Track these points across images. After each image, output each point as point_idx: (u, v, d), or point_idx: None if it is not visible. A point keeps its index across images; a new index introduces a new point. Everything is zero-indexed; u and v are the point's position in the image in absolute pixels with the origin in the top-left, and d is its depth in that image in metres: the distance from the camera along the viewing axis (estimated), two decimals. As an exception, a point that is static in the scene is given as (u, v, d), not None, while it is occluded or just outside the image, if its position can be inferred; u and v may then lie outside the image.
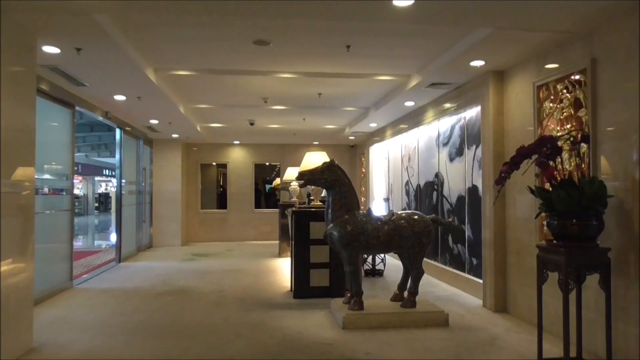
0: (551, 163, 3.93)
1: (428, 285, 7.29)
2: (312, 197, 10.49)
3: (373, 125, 10.69)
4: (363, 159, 13.69)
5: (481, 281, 6.55)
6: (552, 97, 4.93)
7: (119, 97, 7.60)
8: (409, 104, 8.16)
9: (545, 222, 4.44)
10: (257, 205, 14.73)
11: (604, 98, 4.18)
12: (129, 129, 10.62)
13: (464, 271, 7.13)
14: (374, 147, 12.42)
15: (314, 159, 6.83)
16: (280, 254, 10.53)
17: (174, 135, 12.33)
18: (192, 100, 8.66)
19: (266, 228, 14.26)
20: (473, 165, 6.92)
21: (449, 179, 7.80)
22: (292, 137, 13.36)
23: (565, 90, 4.71)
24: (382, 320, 5.16)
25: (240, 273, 8.60)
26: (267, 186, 15.95)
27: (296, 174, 10.90)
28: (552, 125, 4.90)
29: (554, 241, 3.86)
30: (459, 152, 7.40)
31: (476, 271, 6.76)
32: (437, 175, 8.30)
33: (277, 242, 12.45)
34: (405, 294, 5.49)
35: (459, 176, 7.43)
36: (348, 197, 5.36)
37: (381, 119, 9.84)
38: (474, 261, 6.86)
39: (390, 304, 5.55)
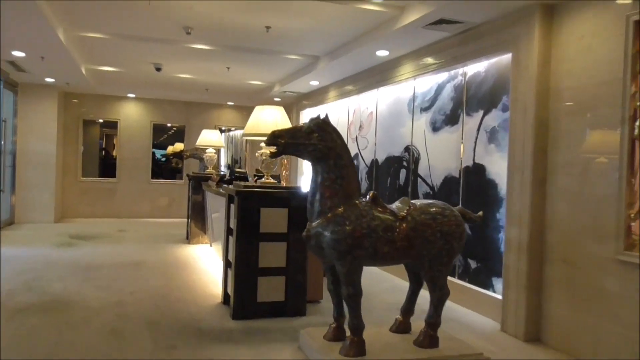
0: None
1: (396, 291, 5.55)
2: (239, 169, 8.31)
3: (314, 83, 8.65)
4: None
5: (485, 292, 4.94)
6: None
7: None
8: (382, 53, 6.24)
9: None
10: (155, 174, 12.09)
11: None
12: (-20, 62, 7.61)
13: (453, 276, 5.46)
14: (305, 112, 10.39)
15: (268, 116, 4.69)
16: (190, 240, 8.24)
17: (49, 80, 9.35)
18: (79, 23, 6.02)
19: (163, 202, 11.74)
20: (477, 137, 5.21)
21: (429, 154, 6.05)
22: (202, 94, 10.90)
23: None
24: (397, 372, 3.30)
25: (142, 269, 6.24)
26: (158, 152, 13.24)
27: (214, 138, 8.70)
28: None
29: None
30: (451, 119, 5.66)
31: (476, 278, 5.11)
32: (407, 148, 6.52)
33: (179, 221, 10.21)
34: (412, 322, 3.65)
35: (447, 151, 5.70)
36: (347, 176, 3.36)
37: (329, 74, 7.83)
38: (472, 264, 5.21)
39: (397, 339, 3.69)
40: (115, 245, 7.89)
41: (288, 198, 4.56)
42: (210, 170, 8.52)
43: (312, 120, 3.38)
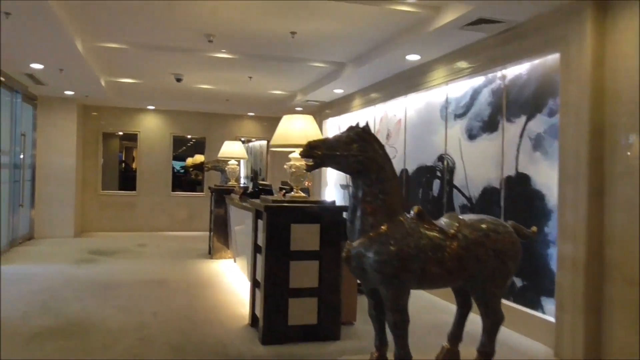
0: None
1: (434, 310, 5.20)
2: (262, 180, 8.03)
3: (338, 91, 8.36)
4: (310, 135, 11.31)
5: (534, 313, 4.56)
6: None
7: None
8: (413, 58, 5.92)
9: None
10: (175, 187, 11.88)
11: None
12: (-1, 76, 7.48)
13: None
14: (328, 122, 10.10)
15: (298, 126, 4.40)
16: (212, 255, 7.96)
17: (68, 93, 9.22)
18: (97, 33, 5.82)
19: (183, 215, 11.51)
20: (520, 145, 4.85)
21: (465, 164, 5.70)
22: (223, 104, 10.69)
23: None
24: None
25: (164, 287, 5.97)
26: (177, 164, 13.01)
27: (237, 149, 8.44)
28: None
29: None
30: (489, 126, 5.31)
31: (522, 298, 4.73)
32: (441, 157, 6.18)
33: (200, 234, 10.01)
34: (460, 349, 3.30)
35: (486, 160, 5.34)
36: (390, 190, 3.04)
37: (355, 82, 7.53)
38: (517, 282, 4.83)
39: (446, 370, 3.34)
40: (135, 261, 7.65)
41: (320, 213, 4.25)
42: (232, 182, 8.25)
43: (351, 129, 3.06)
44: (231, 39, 5.77)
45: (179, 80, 7.85)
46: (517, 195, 4.88)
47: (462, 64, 5.54)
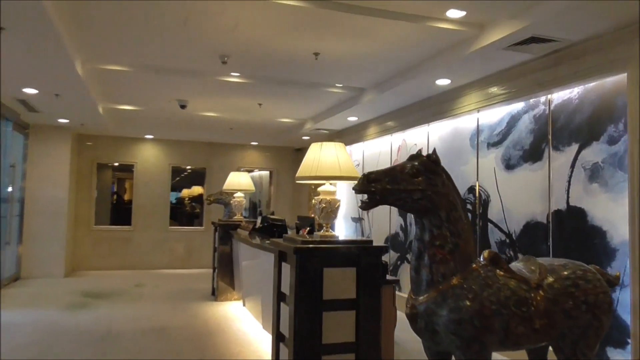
0: None
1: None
2: (272, 215, 7.46)
3: (352, 119, 7.88)
4: (316, 166, 10.78)
5: (599, 368, 3.96)
6: None
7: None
8: (443, 82, 5.47)
9: None
10: (182, 221, 11.28)
11: None
12: (-12, 103, 6.94)
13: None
14: (337, 151, 9.59)
15: (330, 155, 3.86)
16: (217, 297, 7.31)
17: (62, 121, 8.67)
18: (99, 54, 5.32)
19: (182, 251, 10.85)
20: (571, 176, 4.34)
21: (501, 196, 5.19)
22: (225, 134, 10.18)
23: None
24: None
25: (168, 338, 5.31)
26: (171, 195, 12.30)
27: (243, 181, 7.89)
28: None
29: None
30: (532, 155, 4.81)
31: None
32: (472, 189, 5.67)
33: (201, 272, 9.43)
34: None
35: (528, 192, 4.83)
36: (463, 232, 2.51)
37: (373, 109, 7.05)
38: (575, 331, 4.25)
39: None
40: (133, 304, 6.97)
41: (357, 255, 3.68)
42: (238, 217, 7.67)
43: (414, 157, 2.54)
44: (247, 60, 5.28)
45: (183, 107, 7.35)
46: (570, 232, 4.36)
47: (497, 89, 5.09)
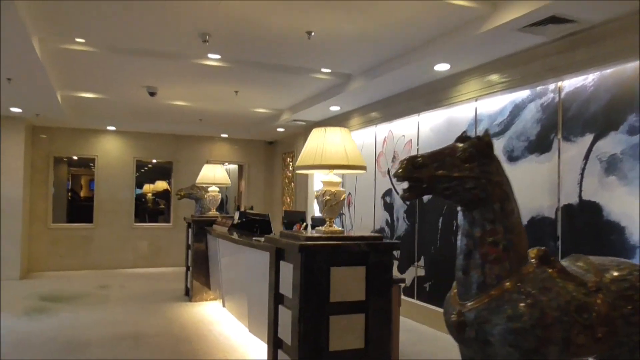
0: None
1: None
2: (251, 209, 6.99)
3: (334, 109, 7.49)
4: (289, 159, 10.38)
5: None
6: None
7: None
8: (442, 68, 5.14)
9: None
10: (144, 218, 10.63)
11: None
12: None
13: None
14: (314, 144, 9.19)
15: (336, 141, 3.47)
16: (192, 297, 6.80)
17: (15, 110, 7.93)
18: (61, 30, 4.73)
19: (146, 249, 10.23)
20: (584, 168, 4.09)
21: (503, 189, 4.91)
22: (194, 125, 9.63)
23: None
24: None
25: (144, 346, 4.80)
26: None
27: (218, 174, 7.39)
28: None
29: None
30: (538, 146, 4.55)
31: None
32: (468, 182, 5.38)
33: (169, 270, 8.95)
34: None
35: (534, 185, 4.57)
36: (516, 228, 2.18)
37: (359, 97, 6.68)
38: (589, 330, 4.01)
39: None
40: (99, 308, 6.39)
41: (367, 252, 3.31)
42: (213, 212, 7.18)
43: (463, 139, 2.19)
44: (230, 40, 4.81)
45: (152, 94, 6.79)
46: (582, 227, 4.11)
47: (499, 76, 4.81)
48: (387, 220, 6.85)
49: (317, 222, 4.38)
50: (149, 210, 12.40)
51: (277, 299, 3.58)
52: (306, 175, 9.16)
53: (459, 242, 2.20)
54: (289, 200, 10.28)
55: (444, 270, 5.64)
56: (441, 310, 5.51)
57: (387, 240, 3.43)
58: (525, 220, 4.61)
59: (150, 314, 6.07)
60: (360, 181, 7.57)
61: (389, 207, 6.82)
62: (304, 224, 4.35)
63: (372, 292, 3.31)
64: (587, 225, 4.07)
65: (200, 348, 4.72)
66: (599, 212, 3.97)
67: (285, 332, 3.37)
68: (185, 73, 6.01)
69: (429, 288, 5.82)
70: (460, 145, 2.14)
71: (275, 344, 3.57)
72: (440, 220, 5.79)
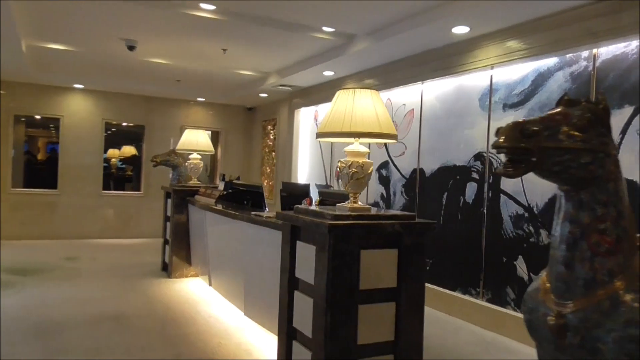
0: None
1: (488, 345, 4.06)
2: (237, 180, 6.47)
3: (328, 74, 6.98)
4: (271, 127, 9.84)
5: None
6: None
7: None
8: (460, 31, 4.70)
9: None
10: (108, 185, 9.93)
11: None
12: None
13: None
14: (301, 112, 8.69)
15: (366, 106, 3.01)
16: (171, 273, 6.30)
17: (-29, 61, 7.10)
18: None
19: (115, 219, 9.58)
20: (621, 143, 3.78)
21: (520, 165, 4.58)
22: (171, 86, 8.94)
23: None
24: None
25: (127, 329, 4.30)
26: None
27: (201, 140, 6.81)
28: None
29: None
30: (565, 118, 4.21)
31: None
32: (480, 156, 5.04)
33: (140, 242, 8.50)
34: None
35: (558, 161, 4.25)
36: (628, 214, 1.78)
37: (358, 62, 6.19)
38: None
39: None
40: (70, 283, 5.82)
41: (400, 233, 2.91)
42: (194, 181, 6.65)
43: (573, 102, 1.77)
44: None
45: (131, 48, 6.12)
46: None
47: (523, 42, 4.42)
48: (382, 195, 6.47)
49: (326, 197, 3.96)
50: (114, 177, 11.68)
51: (292, 283, 3.14)
52: (290, 144, 8.67)
53: (558, 229, 1.80)
54: (269, 170, 9.78)
55: (446, 250, 5.32)
56: (444, 290, 5.26)
57: (422, 220, 3.03)
58: (545, 198, 4.34)
59: (128, 291, 5.55)
60: (353, 152, 7.13)
61: (384, 181, 6.43)
62: (318, 199, 3.89)
63: (404, 277, 2.92)
64: (620, 207, 3.77)
65: (191, 332, 4.27)
66: (636, 191, 3.67)
67: (304, 323, 2.96)
68: (171, 25, 5.39)
69: (429, 267, 5.50)
70: (574, 110, 1.72)
71: (289, 334, 3.15)
72: (445, 196, 5.45)
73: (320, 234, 2.79)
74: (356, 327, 2.79)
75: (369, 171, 3.03)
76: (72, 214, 9.17)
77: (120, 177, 11.54)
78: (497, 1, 3.92)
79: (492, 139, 4.35)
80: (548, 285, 1.86)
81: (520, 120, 1.69)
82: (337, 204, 3.17)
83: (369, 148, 6.63)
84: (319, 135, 3.06)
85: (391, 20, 4.94)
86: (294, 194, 4.58)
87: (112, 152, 12.10)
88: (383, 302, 2.89)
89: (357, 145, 3.04)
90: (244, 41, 5.88)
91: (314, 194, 4.45)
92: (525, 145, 1.62)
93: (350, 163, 2.99)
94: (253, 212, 4.24)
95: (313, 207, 3.21)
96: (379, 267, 2.87)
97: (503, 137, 1.65)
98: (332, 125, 2.98)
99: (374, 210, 3.09)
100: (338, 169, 3.08)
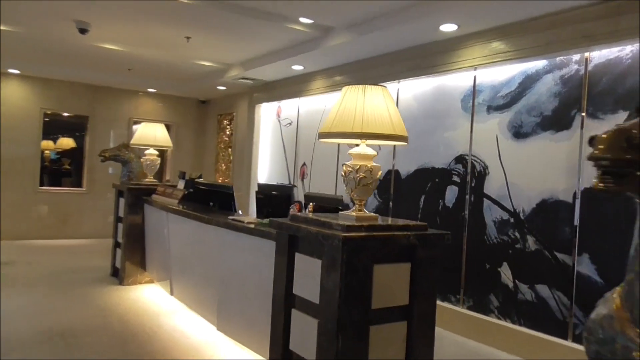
0: None
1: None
2: (199, 178, 5.99)
3: (297, 68, 6.62)
4: (227, 122, 9.35)
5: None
6: None
7: None
8: (448, 28, 4.50)
9: None
10: (42, 180, 9.09)
11: None
12: None
13: (564, 337, 3.90)
14: (262, 107, 8.27)
15: (379, 103, 2.72)
16: (122, 280, 5.75)
17: None
18: None
19: (53, 218, 8.81)
20: (617, 151, 3.69)
21: (505, 169, 4.45)
22: (120, 74, 8.27)
23: None
24: None
25: (79, 350, 3.79)
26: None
27: (159, 134, 6.26)
28: None
29: None
30: (555, 122, 4.11)
31: None
32: (461, 159, 4.87)
33: (81, 243, 7.92)
34: None
35: (547, 165, 4.14)
36: None
37: (333, 57, 5.89)
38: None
39: None
40: (6, 292, 5.16)
41: (415, 245, 2.64)
42: (150, 179, 6.12)
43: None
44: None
45: (83, 31, 5.51)
46: (605, 214, 3.73)
47: (511, 43, 4.29)
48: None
49: (312, 201, 3.63)
50: (48, 171, 10.79)
51: (288, 301, 2.80)
52: (250, 141, 8.25)
53: (637, 244, 1.58)
54: (224, 167, 9.30)
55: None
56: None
57: (435, 230, 2.78)
58: (532, 203, 4.23)
59: (76, 301, 4.99)
60: (318, 150, 6.85)
61: (355, 182, 6.16)
62: (298, 204, 3.55)
63: (416, 294, 2.66)
64: (612, 212, 3.69)
65: (156, 349, 3.83)
66: (628, 198, 3.59)
67: (305, 346, 2.63)
68: (131, 8, 4.87)
69: (405, 273, 5.29)
70: (678, 117, 1.50)
71: (285, 357, 2.81)
72: (422, 199, 5.25)
73: (330, 246, 2.47)
74: (367, 350, 2.50)
75: (378, 176, 2.75)
76: (3, 212, 8.31)
77: (56, 171, 10.67)
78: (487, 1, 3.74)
79: (478, 142, 4.17)
80: (627, 314, 1.64)
81: (621, 126, 1.44)
82: (340, 212, 2.85)
83: (337, 148, 6.39)
84: (323, 135, 2.74)
85: (375, 14, 4.66)
86: (273, 196, 4.21)
87: (47, 144, 11.17)
88: (394, 321, 2.61)
89: (364, 147, 2.75)
90: (210, 30, 5.44)
91: (299, 198, 4.10)
92: (632, 157, 1.37)
93: (358, 167, 2.69)
94: (230, 217, 3.85)
95: (312, 215, 2.87)
96: (391, 283, 2.59)
97: (602, 146, 1.40)
98: (339, 125, 2.66)
99: (380, 219, 2.80)
100: (343, 173, 2.76)
